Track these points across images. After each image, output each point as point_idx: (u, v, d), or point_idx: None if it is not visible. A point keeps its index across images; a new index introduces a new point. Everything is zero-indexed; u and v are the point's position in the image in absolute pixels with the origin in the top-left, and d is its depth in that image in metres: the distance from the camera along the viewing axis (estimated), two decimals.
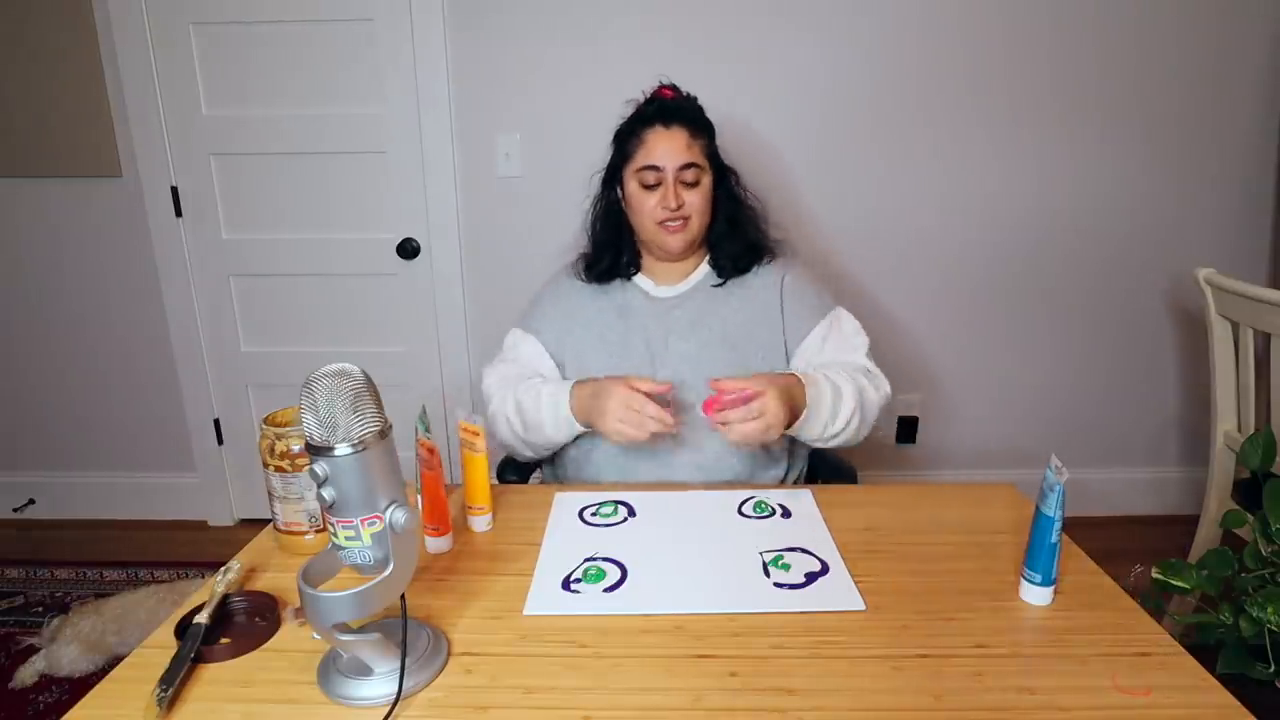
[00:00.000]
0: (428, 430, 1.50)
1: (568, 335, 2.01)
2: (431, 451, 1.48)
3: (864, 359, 1.96)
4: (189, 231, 3.49)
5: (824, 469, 2.08)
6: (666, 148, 1.90)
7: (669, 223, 1.93)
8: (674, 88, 2.00)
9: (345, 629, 1.11)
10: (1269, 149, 3.32)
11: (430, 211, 3.40)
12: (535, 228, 3.39)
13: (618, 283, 2.06)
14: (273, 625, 1.28)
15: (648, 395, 1.68)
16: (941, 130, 3.30)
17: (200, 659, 1.19)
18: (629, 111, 2.02)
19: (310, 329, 3.59)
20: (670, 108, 1.94)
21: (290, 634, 1.26)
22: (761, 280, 2.02)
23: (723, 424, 1.63)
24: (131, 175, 3.41)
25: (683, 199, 1.92)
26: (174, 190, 3.43)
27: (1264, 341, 2.42)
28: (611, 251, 2.05)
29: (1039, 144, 3.32)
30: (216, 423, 3.76)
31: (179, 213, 3.46)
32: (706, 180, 1.95)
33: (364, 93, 3.29)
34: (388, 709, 1.08)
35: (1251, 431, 2.53)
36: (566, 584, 1.38)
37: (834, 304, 2.03)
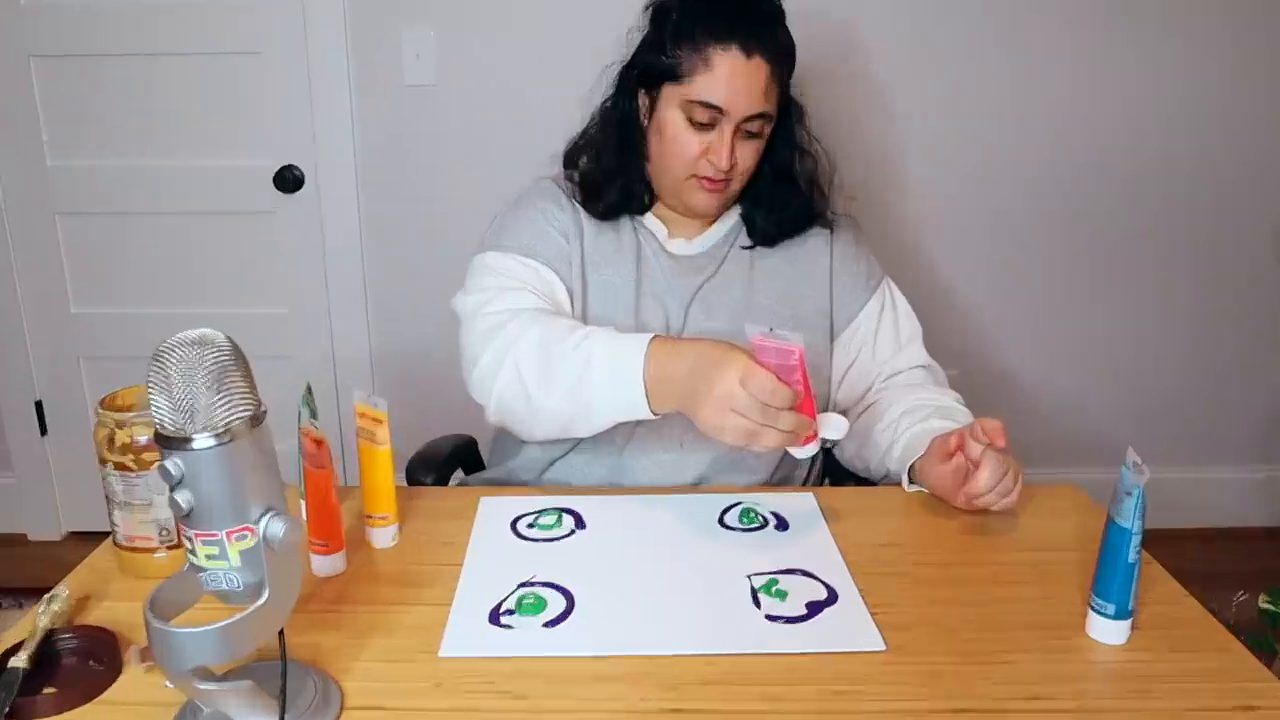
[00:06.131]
0: (314, 416, 1.49)
1: (569, 269, 1.90)
2: (319, 444, 1.47)
3: (923, 354, 1.99)
4: (1, 156, 3.43)
5: (836, 469, 2.09)
6: (741, 88, 1.76)
7: (707, 179, 1.84)
8: None
9: (207, 675, 1.08)
10: None
11: (318, 131, 3.38)
12: (454, 149, 3.37)
13: (624, 220, 1.97)
14: (112, 670, 1.25)
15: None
16: (996, 29, 3.29)
17: (17, 714, 1.16)
18: None
19: (161, 284, 3.57)
20: (757, 22, 1.78)
21: (135, 681, 1.24)
22: (808, 243, 2.01)
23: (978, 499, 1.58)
24: None
25: (736, 157, 1.81)
26: None
27: None
28: (621, 181, 1.93)
29: (1123, 42, 3.30)
30: (39, 406, 3.74)
31: None
32: (768, 129, 1.86)
33: None
34: None
35: None
36: (495, 617, 1.37)
37: (881, 271, 2.04)
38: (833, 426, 1.50)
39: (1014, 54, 3.32)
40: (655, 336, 1.59)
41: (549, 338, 1.69)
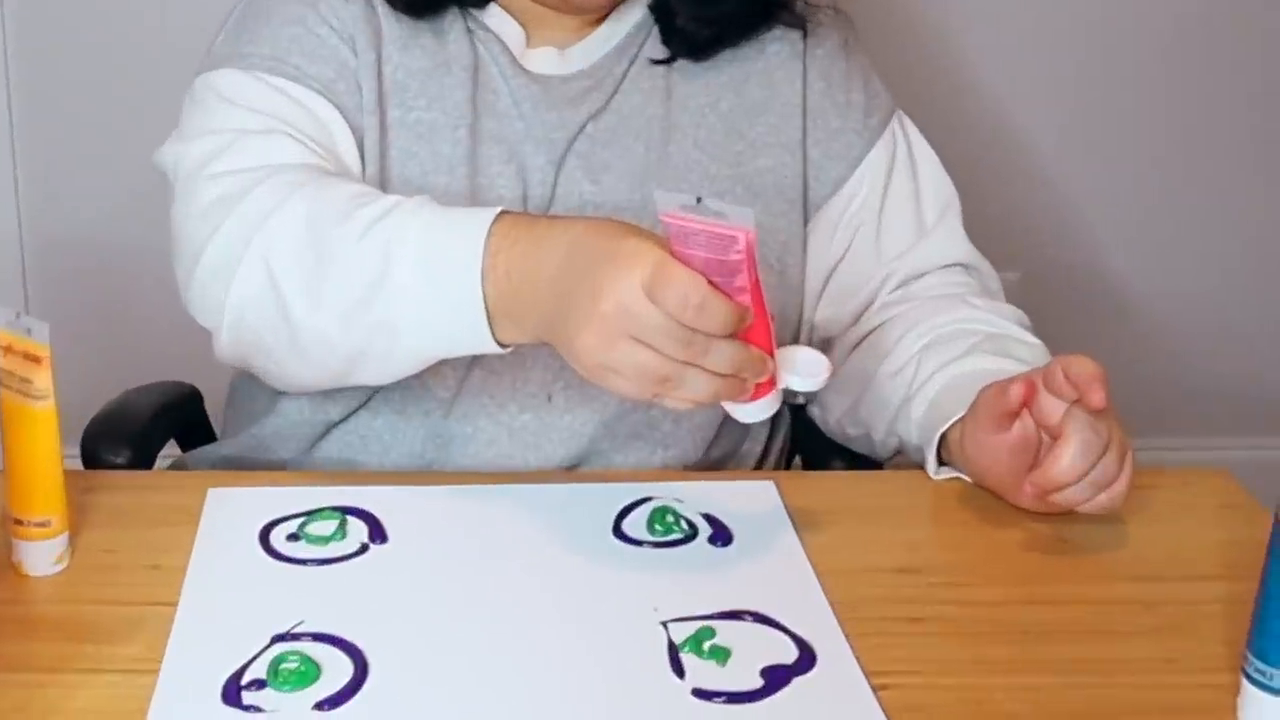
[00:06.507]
0: None
1: (356, 99, 1.52)
2: None
3: (962, 243, 1.66)
4: None
5: (815, 441, 1.74)
6: None
7: None
8: None
9: None
10: None
11: None
12: None
13: (450, 16, 1.54)
14: None
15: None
16: None
17: None
18: None
19: None
20: None
21: None
22: (764, 55, 1.64)
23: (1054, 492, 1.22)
24: None
25: None
26: None
27: None
28: None
29: None
30: None
31: None
32: None
33: None
34: None
35: None
36: (235, 693, 1.04)
37: (891, 102, 1.69)
38: (805, 368, 1.17)
39: None
40: (502, 212, 1.22)
41: (323, 215, 1.29)
